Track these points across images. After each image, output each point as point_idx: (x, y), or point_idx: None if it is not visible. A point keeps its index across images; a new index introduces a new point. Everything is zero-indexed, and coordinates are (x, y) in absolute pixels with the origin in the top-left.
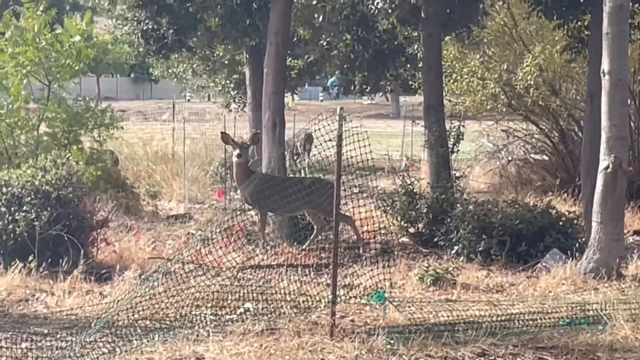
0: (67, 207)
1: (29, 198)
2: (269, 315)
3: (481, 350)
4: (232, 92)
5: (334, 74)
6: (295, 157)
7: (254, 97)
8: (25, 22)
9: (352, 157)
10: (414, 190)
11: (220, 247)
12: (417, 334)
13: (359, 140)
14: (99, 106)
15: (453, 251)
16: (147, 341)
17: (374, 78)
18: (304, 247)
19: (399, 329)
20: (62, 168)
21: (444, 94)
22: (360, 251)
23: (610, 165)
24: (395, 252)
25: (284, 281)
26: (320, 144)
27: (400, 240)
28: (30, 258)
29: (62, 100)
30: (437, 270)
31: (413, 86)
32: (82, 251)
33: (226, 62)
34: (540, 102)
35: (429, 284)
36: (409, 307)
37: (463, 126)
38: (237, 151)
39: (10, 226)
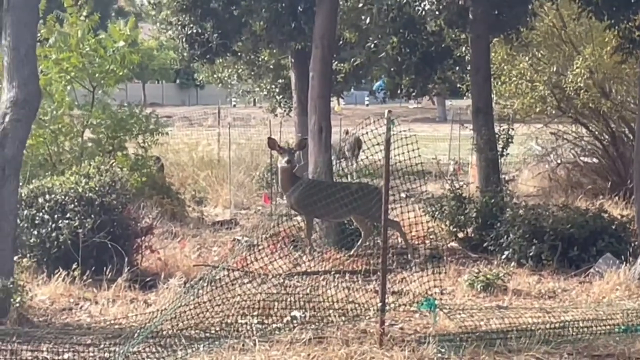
0: (110, 214)
1: (72, 205)
2: (317, 324)
3: (535, 358)
4: (277, 97)
5: (380, 78)
6: (341, 161)
7: (299, 102)
8: (69, 28)
9: (400, 162)
10: (463, 195)
11: (267, 254)
12: (469, 342)
13: (407, 144)
14: (143, 112)
15: (503, 256)
16: (192, 351)
17: (421, 81)
18: (351, 253)
19: (450, 337)
20: (105, 175)
21: (492, 96)
22: (409, 257)
23: None
24: (445, 258)
25: (332, 288)
26: (368, 148)
27: (449, 246)
28: (74, 266)
29: (106, 106)
30: (488, 276)
31: (460, 89)
32: (126, 259)
33: (271, 66)
34: (590, 105)
35: (479, 290)
36: (460, 314)
37: (512, 129)
38: (286, 157)
39: (54, 234)
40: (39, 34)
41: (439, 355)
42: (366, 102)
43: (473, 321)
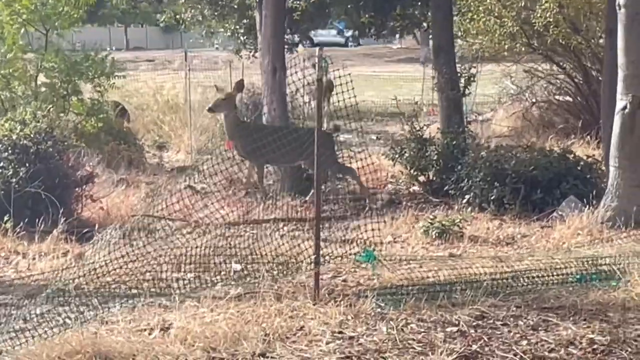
0: (46, 162)
1: (6, 153)
2: (253, 278)
3: (480, 312)
4: (242, 38)
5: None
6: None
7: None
8: None
9: (339, 102)
10: (423, 137)
11: (217, 200)
12: (410, 295)
13: (343, 84)
14: (99, 55)
15: (464, 200)
16: (112, 309)
17: (379, 18)
18: (306, 199)
19: (392, 291)
20: (42, 121)
21: (459, 34)
22: (367, 202)
23: (628, 106)
24: (404, 203)
25: (277, 239)
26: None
27: (410, 190)
28: (6, 218)
29: (59, 50)
30: (443, 222)
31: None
32: (61, 210)
33: (235, 6)
34: (561, 41)
35: (434, 237)
36: (405, 265)
37: (474, 67)
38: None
39: None
40: None
41: (378, 310)
42: (350, 44)
43: (419, 273)
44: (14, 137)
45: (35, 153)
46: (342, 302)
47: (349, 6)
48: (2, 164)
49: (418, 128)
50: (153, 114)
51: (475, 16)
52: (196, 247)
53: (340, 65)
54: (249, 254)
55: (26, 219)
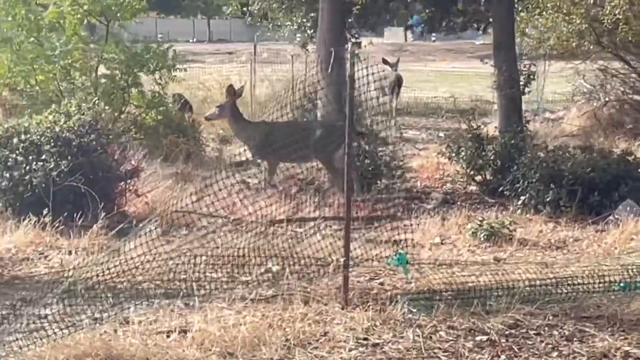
0: (89, 155)
1: (48, 146)
2: (286, 279)
3: (514, 320)
4: (308, 32)
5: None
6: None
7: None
8: None
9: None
10: (481, 135)
11: (269, 197)
12: (444, 301)
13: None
14: (161, 47)
15: (519, 202)
16: (130, 309)
17: (440, 14)
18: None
19: (427, 296)
20: (87, 113)
21: (526, 30)
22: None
23: None
24: (458, 203)
25: (319, 238)
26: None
27: (467, 190)
28: (45, 211)
29: (119, 41)
30: (492, 225)
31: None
32: (101, 204)
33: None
34: (630, 39)
35: (482, 239)
36: (445, 269)
37: (534, 65)
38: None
39: (27, 177)
40: None
41: (409, 316)
42: (433, 38)
43: (456, 277)
44: (57, 129)
45: (77, 146)
46: (372, 307)
47: (408, 0)
48: (44, 156)
49: (475, 126)
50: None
51: (543, 13)
52: (234, 246)
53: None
54: (287, 254)
55: (66, 213)
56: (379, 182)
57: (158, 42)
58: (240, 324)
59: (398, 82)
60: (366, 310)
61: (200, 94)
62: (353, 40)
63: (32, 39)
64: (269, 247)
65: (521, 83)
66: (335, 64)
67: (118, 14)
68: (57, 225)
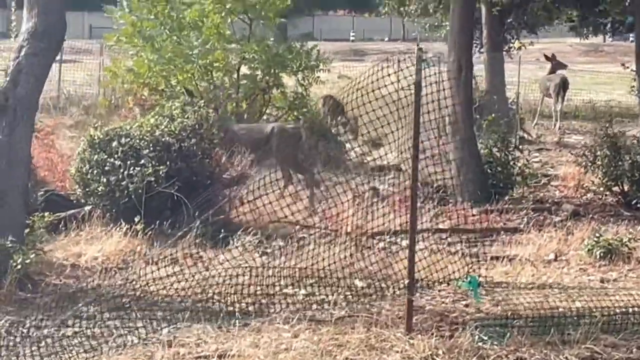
0: (189, 161)
1: (147, 150)
2: (360, 299)
3: (590, 352)
4: None
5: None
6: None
7: (489, 37)
8: None
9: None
10: (618, 144)
11: (391, 204)
12: (518, 328)
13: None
14: (304, 47)
15: None
16: (173, 329)
17: (582, 15)
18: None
19: (501, 322)
20: (192, 117)
21: None
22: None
23: None
24: (590, 215)
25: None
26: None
27: (604, 201)
28: (137, 219)
29: (260, 41)
30: (610, 242)
31: None
32: (196, 212)
33: None
34: None
35: (598, 257)
36: (531, 291)
37: None
38: None
39: (124, 182)
40: None
41: (479, 344)
42: (631, 39)
43: (539, 300)
44: (157, 133)
45: (177, 151)
46: (438, 333)
47: (547, 0)
48: (142, 161)
49: (612, 134)
50: (374, 109)
51: None
52: (323, 260)
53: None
54: (376, 268)
55: (162, 221)
56: (511, 191)
57: (301, 42)
58: (289, 349)
59: (563, 85)
60: (430, 337)
61: (355, 95)
62: (513, 41)
63: (174, 37)
64: (358, 261)
65: None
66: (466, 69)
67: (263, 13)
68: (150, 233)
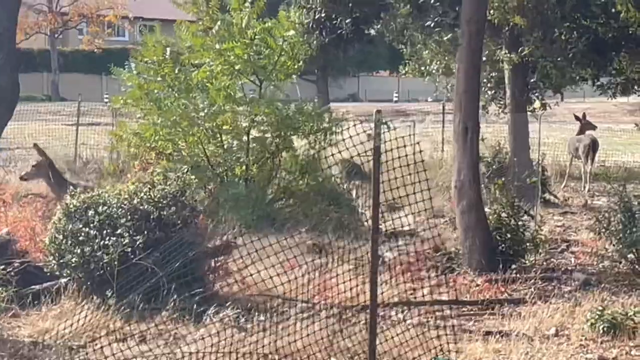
0: (168, 230)
1: (124, 219)
2: None
3: None
4: (489, 92)
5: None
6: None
7: (513, 97)
8: (235, 15)
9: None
10: (632, 208)
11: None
12: None
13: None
14: (315, 109)
15: None
16: None
17: (592, 73)
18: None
19: None
20: (174, 184)
21: None
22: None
23: None
24: (603, 284)
25: (402, 329)
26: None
27: (619, 270)
28: (110, 293)
29: (270, 102)
30: (615, 315)
31: None
32: (171, 285)
33: (484, 58)
34: None
35: (601, 331)
36: None
37: None
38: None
39: (100, 253)
40: (201, 22)
41: None
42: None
43: None
44: (136, 201)
45: (156, 220)
46: None
47: (558, 59)
48: (119, 231)
49: (626, 197)
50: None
51: None
52: (301, 337)
53: None
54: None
55: (139, 294)
56: (522, 259)
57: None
58: None
59: (593, 146)
60: None
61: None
62: (537, 101)
63: (181, 100)
64: (342, 339)
65: None
66: (472, 131)
67: (274, 75)
68: (123, 308)
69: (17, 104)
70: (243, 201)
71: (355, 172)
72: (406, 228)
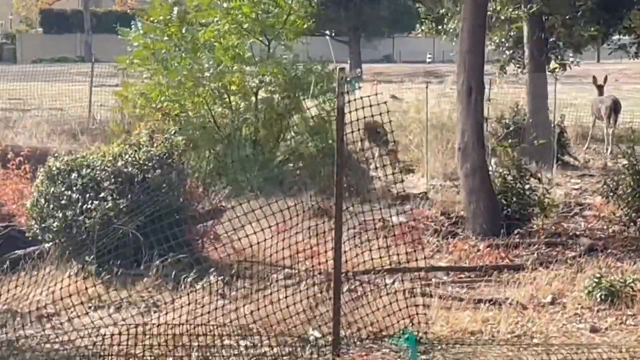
0: (152, 194)
1: (107, 182)
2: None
3: None
4: (507, 52)
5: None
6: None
7: (531, 57)
8: None
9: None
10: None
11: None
12: None
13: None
14: (326, 68)
15: None
16: None
17: (602, 30)
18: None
19: None
20: (161, 145)
21: None
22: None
23: None
24: (609, 250)
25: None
26: None
27: (628, 234)
28: (90, 258)
29: (278, 62)
30: (613, 283)
31: None
32: (154, 249)
33: (503, 17)
34: None
35: (599, 299)
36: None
37: None
38: None
39: (82, 217)
40: None
41: None
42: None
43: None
44: (120, 163)
45: (140, 182)
46: None
47: (567, 17)
48: (102, 194)
49: (635, 160)
50: (414, 133)
51: None
52: (280, 308)
53: None
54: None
55: (122, 260)
56: (529, 223)
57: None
58: None
59: (615, 107)
60: None
61: (395, 119)
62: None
63: (187, 60)
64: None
65: None
66: (476, 91)
67: (282, 34)
68: (104, 274)
69: (49, 65)
70: (250, 163)
71: (375, 133)
72: (419, 191)
